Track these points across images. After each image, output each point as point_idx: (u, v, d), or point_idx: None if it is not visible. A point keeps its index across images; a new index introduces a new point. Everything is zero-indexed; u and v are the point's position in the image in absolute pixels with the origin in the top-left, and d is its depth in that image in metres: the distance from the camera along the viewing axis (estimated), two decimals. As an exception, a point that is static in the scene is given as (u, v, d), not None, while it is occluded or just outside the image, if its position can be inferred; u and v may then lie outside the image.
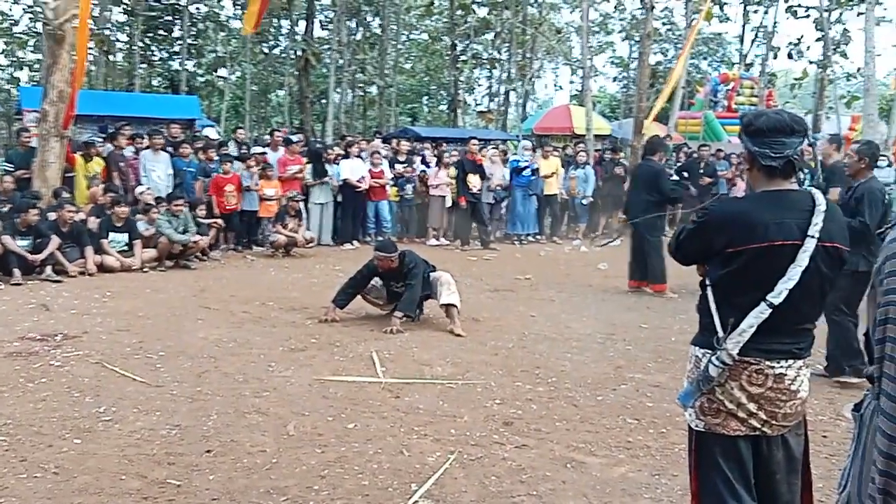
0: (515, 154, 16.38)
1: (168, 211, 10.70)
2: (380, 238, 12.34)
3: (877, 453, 1.68)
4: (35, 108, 12.30)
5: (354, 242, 13.50)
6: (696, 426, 2.75)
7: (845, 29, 28.43)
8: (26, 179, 11.06)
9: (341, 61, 26.19)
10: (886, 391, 1.65)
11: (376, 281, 7.84)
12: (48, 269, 9.45)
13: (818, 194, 2.63)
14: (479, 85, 38.43)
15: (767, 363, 2.60)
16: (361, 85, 33.83)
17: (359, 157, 13.97)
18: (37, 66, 28.74)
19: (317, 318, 7.66)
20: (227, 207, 12.17)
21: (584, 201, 15.53)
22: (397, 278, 7.68)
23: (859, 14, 24.24)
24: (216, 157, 12.60)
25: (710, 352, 2.65)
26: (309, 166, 13.38)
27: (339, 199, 13.70)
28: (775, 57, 30.44)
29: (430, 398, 5.35)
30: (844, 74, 29.10)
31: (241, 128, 17.37)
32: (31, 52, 30.00)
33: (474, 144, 14.54)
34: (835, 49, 27.31)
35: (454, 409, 5.12)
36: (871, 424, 1.79)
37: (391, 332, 7.19)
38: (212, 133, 15.25)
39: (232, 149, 13.70)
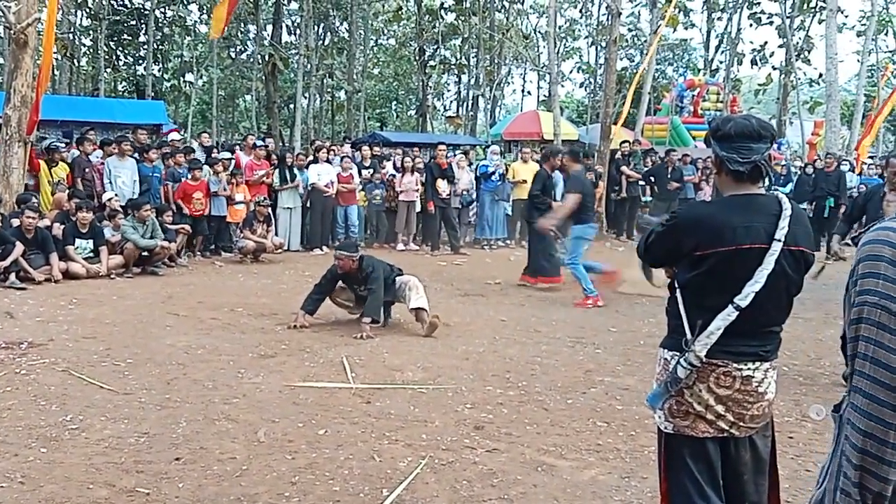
0: (484, 159, 16.42)
1: (134, 217, 10.59)
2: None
3: (849, 447, 1.75)
4: (-2, 113, 12.14)
5: (324, 248, 13.46)
6: (665, 428, 2.78)
7: (807, 35, 28.93)
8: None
9: (309, 66, 26.09)
10: (858, 387, 1.73)
11: (341, 284, 7.85)
12: (12, 277, 9.30)
13: (784, 199, 2.68)
14: (448, 90, 38.56)
15: (735, 365, 2.64)
16: (330, 90, 33.74)
17: (328, 161, 13.96)
18: (-1, 70, 28.32)
19: (286, 325, 7.63)
20: (195, 212, 12.07)
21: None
22: (359, 282, 7.71)
23: (821, 21, 24.71)
24: (184, 162, 12.49)
25: (678, 354, 2.68)
26: (276, 171, 13.35)
27: (308, 204, 13.66)
28: (740, 63, 30.91)
29: (401, 403, 5.35)
30: (807, 80, 29.61)
31: (206, 132, 17.26)
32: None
33: (442, 149, 14.58)
34: (797, 55, 27.76)
35: (425, 414, 5.13)
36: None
37: (362, 337, 7.18)
38: (175, 136, 15.09)
39: (198, 153, 13.60)
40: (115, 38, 28.78)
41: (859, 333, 1.76)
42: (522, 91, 39.25)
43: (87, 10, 27.50)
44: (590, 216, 9.82)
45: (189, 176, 12.13)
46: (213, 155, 13.59)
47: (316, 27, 28.80)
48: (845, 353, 1.96)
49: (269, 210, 12.57)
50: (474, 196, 15.24)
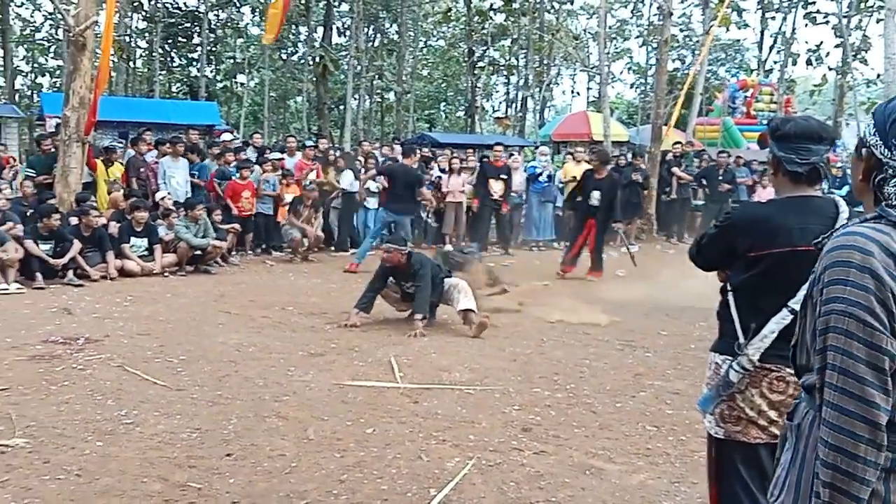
0: (533, 160, 16.37)
1: (187, 217, 10.77)
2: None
3: (820, 465, 1.67)
4: (57, 114, 12.44)
5: (351, 249, 13.35)
6: (716, 433, 2.75)
7: (865, 35, 28.28)
8: (48, 185, 11.18)
9: (359, 67, 26.28)
10: (829, 401, 1.66)
11: (391, 280, 7.89)
12: (70, 274, 9.53)
13: (842, 202, 2.63)
14: (497, 91, 38.43)
15: (788, 370, 2.59)
16: (379, 91, 33.91)
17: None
18: (58, 72, 29.01)
19: (337, 324, 7.70)
20: (244, 212, 12.24)
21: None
22: (406, 278, 7.73)
23: (879, 20, 24.12)
24: (234, 161, 12.68)
25: (730, 358, 2.65)
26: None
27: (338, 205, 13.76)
28: (794, 63, 30.29)
29: (449, 403, 5.37)
30: (864, 81, 28.92)
31: (257, 133, 17.49)
32: (53, 58, 30.29)
33: (498, 150, 14.46)
34: (854, 55, 27.15)
35: (472, 415, 5.13)
36: (809, 434, 1.80)
37: (414, 335, 7.21)
38: (227, 137, 15.36)
39: (249, 154, 13.81)
40: (170, 41, 29.30)
41: (827, 344, 1.68)
42: (572, 92, 39.23)
43: (143, 12, 28.04)
44: None
45: (238, 175, 12.29)
46: (265, 155, 13.76)
47: (366, 29, 28.99)
48: (795, 362, 1.92)
49: (317, 195, 12.66)
50: (524, 197, 15.18)
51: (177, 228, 10.65)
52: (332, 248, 13.55)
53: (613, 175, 11.36)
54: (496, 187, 13.90)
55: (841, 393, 1.63)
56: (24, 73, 30.91)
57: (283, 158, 13.59)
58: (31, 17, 28.72)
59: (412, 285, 7.67)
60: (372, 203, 13.66)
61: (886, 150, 1.72)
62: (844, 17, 25.53)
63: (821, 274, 1.74)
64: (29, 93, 30.76)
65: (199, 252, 10.76)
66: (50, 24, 28.45)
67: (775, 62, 31.69)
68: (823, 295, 1.71)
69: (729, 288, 2.75)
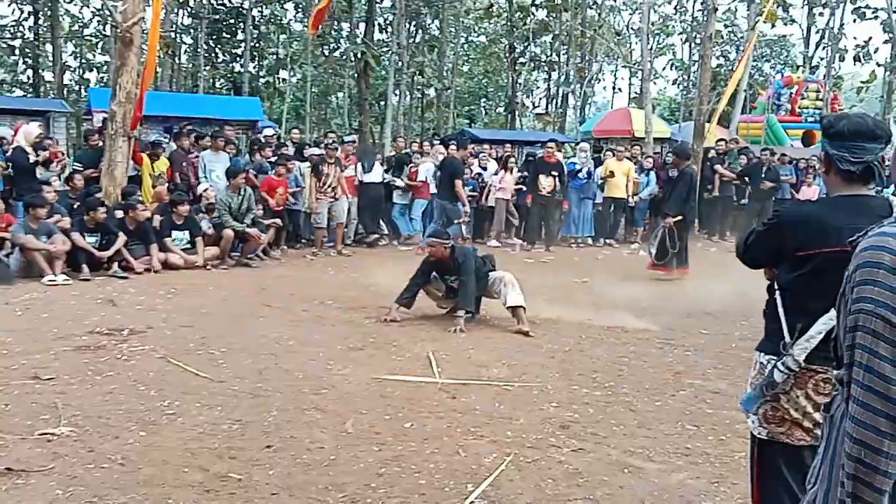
0: (573, 156, 16.27)
1: (229, 187, 10.88)
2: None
3: (845, 457, 1.74)
4: (104, 108, 12.64)
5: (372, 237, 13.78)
6: (759, 434, 2.71)
7: (915, 30, 27.69)
8: (94, 178, 11.38)
9: (400, 64, 26.32)
10: (855, 397, 1.73)
11: (434, 275, 7.87)
12: (115, 266, 9.70)
13: (896, 202, 2.58)
14: (538, 87, 38.24)
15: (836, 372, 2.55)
16: (420, 87, 33.96)
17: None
18: (105, 67, 29.46)
19: (375, 318, 7.72)
20: (277, 207, 12.34)
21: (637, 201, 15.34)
22: (450, 271, 7.68)
23: (930, 15, 23.62)
24: (272, 157, 12.81)
25: (775, 358, 2.61)
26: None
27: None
28: (842, 59, 29.77)
29: (487, 399, 5.36)
30: (914, 77, 28.32)
31: (296, 128, 17.57)
32: (100, 54, 30.76)
33: (551, 146, 14.39)
34: (904, 51, 26.60)
35: (510, 411, 5.12)
36: (840, 427, 1.85)
37: (456, 331, 7.19)
38: (269, 132, 15.50)
39: (290, 149, 13.89)
40: (214, 37, 29.61)
41: (855, 342, 1.75)
42: (613, 88, 38.68)
43: (189, 9, 28.38)
44: None
45: (273, 171, 12.40)
46: (303, 151, 13.82)
47: (407, 25, 29.00)
48: (835, 355, 1.96)
49: (338, 152, 12.82)
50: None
51: (218, 206, 10.76)
52: (366, 245, 13.70)
53: (686, 170, 11.13)
54: (545, 183, 13.86)
55: (866, 390, 1.70)
56: (72, 69, 31.40)
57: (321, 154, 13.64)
58: (80, 13, 29.20)
59: (456, 279, 7.62)
60: (400, 198, 14.01)
61: None
62: (894, 12, 25.01)
63: (852, 273, 1.81)
64: (77, 88, 31.27)
65: (241, 237, 10.88)
66: (98, 20, 28.90)
67: (822, 58, 31.18)
68: (854, 294, 1.78)
69: (776, 287, 2.70)
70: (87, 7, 28.31)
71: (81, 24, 29.71)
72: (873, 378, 1.69)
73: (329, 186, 12.46)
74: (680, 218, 10.78)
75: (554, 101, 32.65)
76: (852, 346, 1.76)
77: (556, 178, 13.90)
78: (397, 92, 28.39)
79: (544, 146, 14.68)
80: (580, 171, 14.75)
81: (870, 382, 1.70)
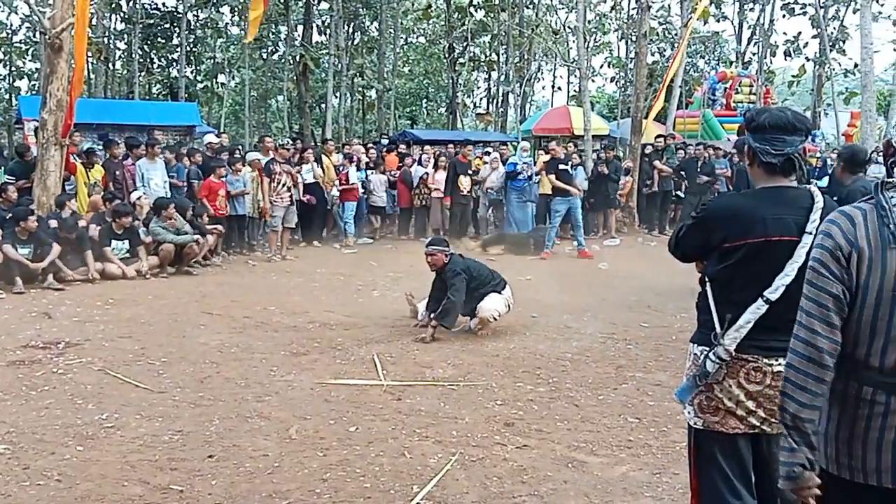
0: (514, 156, 16.37)
1: (160, 219, 10.70)
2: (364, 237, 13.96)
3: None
4: (34, 117, 12.32)
5: (315, 242, 13.97)
6: (695, 424, 2.76)
7: (842, 25, 28.47)
8: (27, 189, 11.08)
9: (340, 66, 26.17)
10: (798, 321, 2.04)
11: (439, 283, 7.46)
12: (50, 277, 9.46)
13: (817, 192, 2.65)
14: (478, 87, 38.42)
15: (765, 360, 2.61)
16: (360, 89, 33.79)
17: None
18: (36, 75, 28.74)
19: (415, 338, 7.09)
20: (220, 212, 12.21)
21: None
22: (441, 281, 7.37)
23: (855, 11, 24.29)
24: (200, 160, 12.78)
25: (707, 348, 2.66)
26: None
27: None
28: (773, 55, 30.44)
29: (432, 400, 5.37)
30: (842, 71, 29.09)
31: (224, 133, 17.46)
32: (30, 61, 30.01)
33: (469, 148, 15.00)
34: (832, 46, 27.32)
35: (455, 411, 5.13)
36: None
37: (425, 340, 6.96)
38: (212, 138, 15.32)
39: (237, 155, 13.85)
40: (149, 42, 29.05)
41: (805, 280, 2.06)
42: (553, 87, 38.93)
43: (122, 14, 27.80)
44: None
45: (213, 175, 12.26)
46: (234, 154, 13.74)
47: (346, 27, 28.84)
48: None
49: (290, 154, 12.95)
50: (502, 195, 15.26)
51: (153, 230, 10.59)
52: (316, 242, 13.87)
53: None
54: (464, 183, 14.53)
55: (808, 315, 2.01)
56: (1, 77, 30.62)
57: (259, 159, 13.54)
58: (8, 19, 28.46)
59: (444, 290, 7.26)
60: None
61: None
62: (822, 7, 25.68)
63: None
64: (7, 96, 30.47)
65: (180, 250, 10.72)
66: (27, 27, 28.18)
67: (754, 54, 31.83)
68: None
69: (706, 279, 2.76)
70: (16, 14, 27.62)
71: (10, 31, 28.95)
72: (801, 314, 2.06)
73: (283, 186, 12.35)
74: None
75: (494, 100, 32.79)
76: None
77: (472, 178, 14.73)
78: (338, 94, 28.23)
79: (483, 146, 15.07)
80: (520, 173, 14.74)
81: (799, 318, 2.06)
